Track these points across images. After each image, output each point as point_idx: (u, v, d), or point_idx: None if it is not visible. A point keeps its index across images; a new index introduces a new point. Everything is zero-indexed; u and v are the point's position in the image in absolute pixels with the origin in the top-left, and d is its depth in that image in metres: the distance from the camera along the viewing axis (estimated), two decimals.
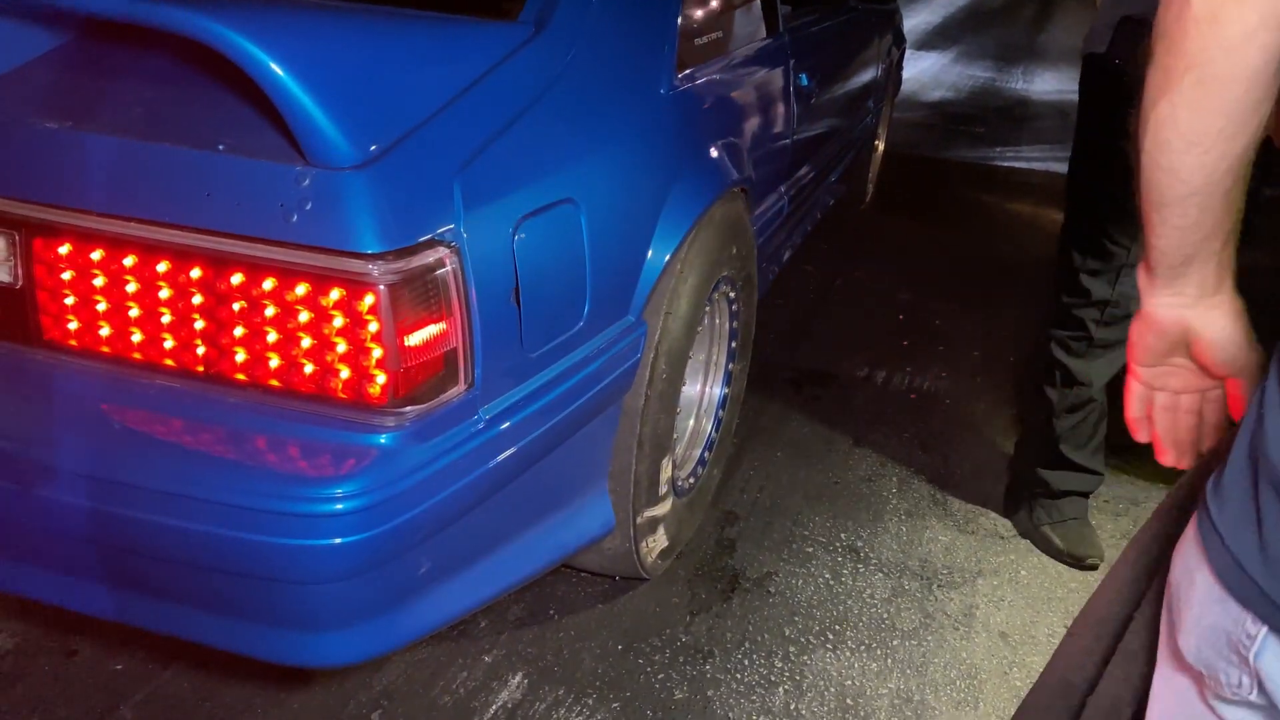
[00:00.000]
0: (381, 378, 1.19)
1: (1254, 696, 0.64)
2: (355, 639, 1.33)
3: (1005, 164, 5.87)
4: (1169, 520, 0.89)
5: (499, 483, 1.37)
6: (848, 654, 1.89)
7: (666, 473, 1.88)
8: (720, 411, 2.21)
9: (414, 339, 1.18)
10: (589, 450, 1.66)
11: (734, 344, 2.21)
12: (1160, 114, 0.72)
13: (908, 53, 5.41)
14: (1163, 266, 0.80)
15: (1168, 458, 0.89)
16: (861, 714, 1.75)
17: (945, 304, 3.61)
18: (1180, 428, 0.87)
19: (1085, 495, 2.29)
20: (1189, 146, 0.71)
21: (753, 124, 2.24)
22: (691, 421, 2.16)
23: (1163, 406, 0.87)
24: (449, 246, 1.20)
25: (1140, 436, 0.90)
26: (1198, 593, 0.68)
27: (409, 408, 1.21)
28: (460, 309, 1.22)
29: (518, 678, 1.76)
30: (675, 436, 1.92)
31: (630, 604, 1.97)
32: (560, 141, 1.43)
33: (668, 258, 1.68)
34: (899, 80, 4.85)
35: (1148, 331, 0.84)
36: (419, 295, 1.17)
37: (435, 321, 1.20)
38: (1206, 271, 0.79)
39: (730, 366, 2.22)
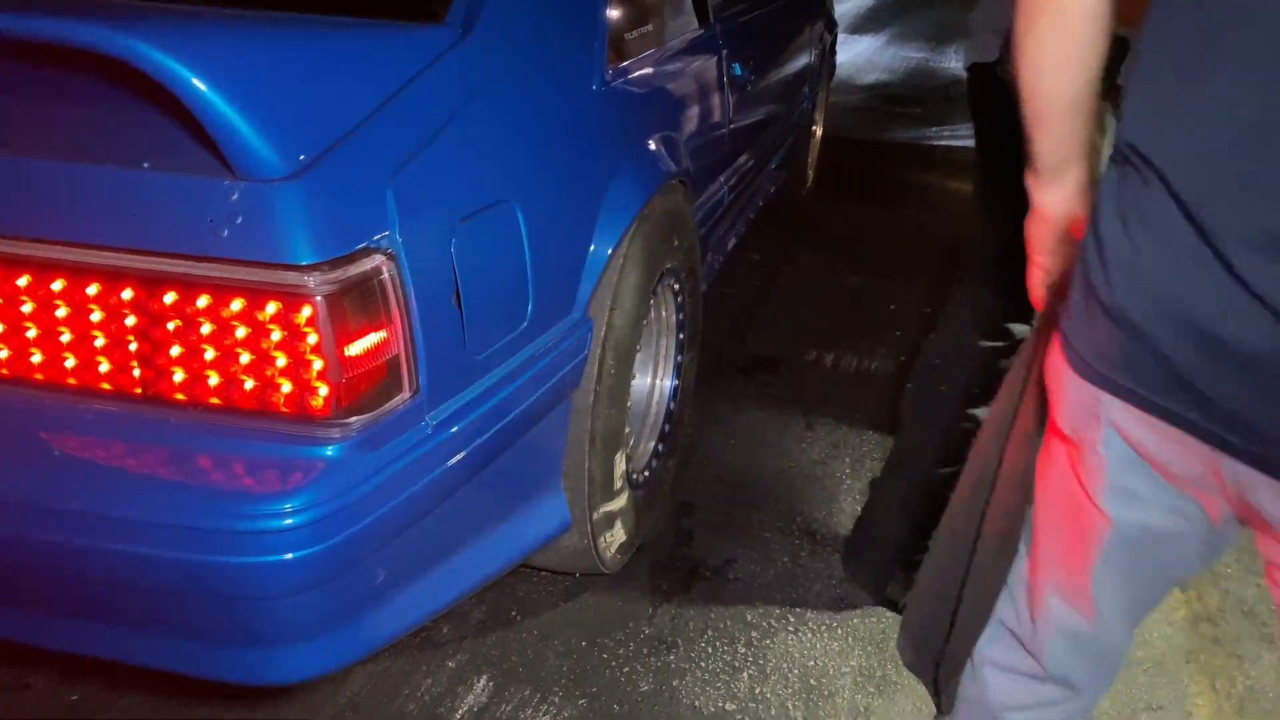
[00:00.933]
0: (324, 389, 1.18)
1: (1102, 449, 0.94)
2: (315, 653, 1.32)
3: (943, 143, 5.94)
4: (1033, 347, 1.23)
5: (450, 487, 1.37)
6: (809, 635, 1.91)
7: (620, 467, 1.88)
8: (672, 403, 2.22)
9: (355, 348, 1.17)
10: (541, 449, 1.66)
11: (682, 336, 2.22)
12: (1030, 47, 0.94)
13: (841, 37, 5.46)
14: (1047, 170, 1.02)
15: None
16: (825, 693, 1.77)
17: (890, 284, 3.66)
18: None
19: None
20: (1056, 70, 0.93)
21: (688, 115, 2.25)
22: (643, 415, 2.17)
23: (1061, 284, 1.09)
24: (385, 253, 1.19)
25: (1042, 308, 1.15)
26: (1065, 383, 0.95)
27: (354, 418, 1.20)
28: (401, 316, 1.22)
29: (483, 681, 1.76)
30: (627, 431, 1.92)
31: (592, 600, 1.98)
32: (494, 142, 1.43)
33: (610, 253, 1.69)
34: (833, 65, 4.89)
35: (1042, 225, 1.07)
36: (357, 304, 1.16)
37: (376, 330, 1.20)
38: (1081, 169, 1.01)
39: (679, 358, 2.22)
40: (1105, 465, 0.95)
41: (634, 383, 1.96)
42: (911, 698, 1.76)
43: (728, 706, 1.74)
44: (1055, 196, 1.04)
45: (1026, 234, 1.09)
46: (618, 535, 1.93)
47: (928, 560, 1.45)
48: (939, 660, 1.44)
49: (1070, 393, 0.95)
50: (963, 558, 1.33)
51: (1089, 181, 1.02)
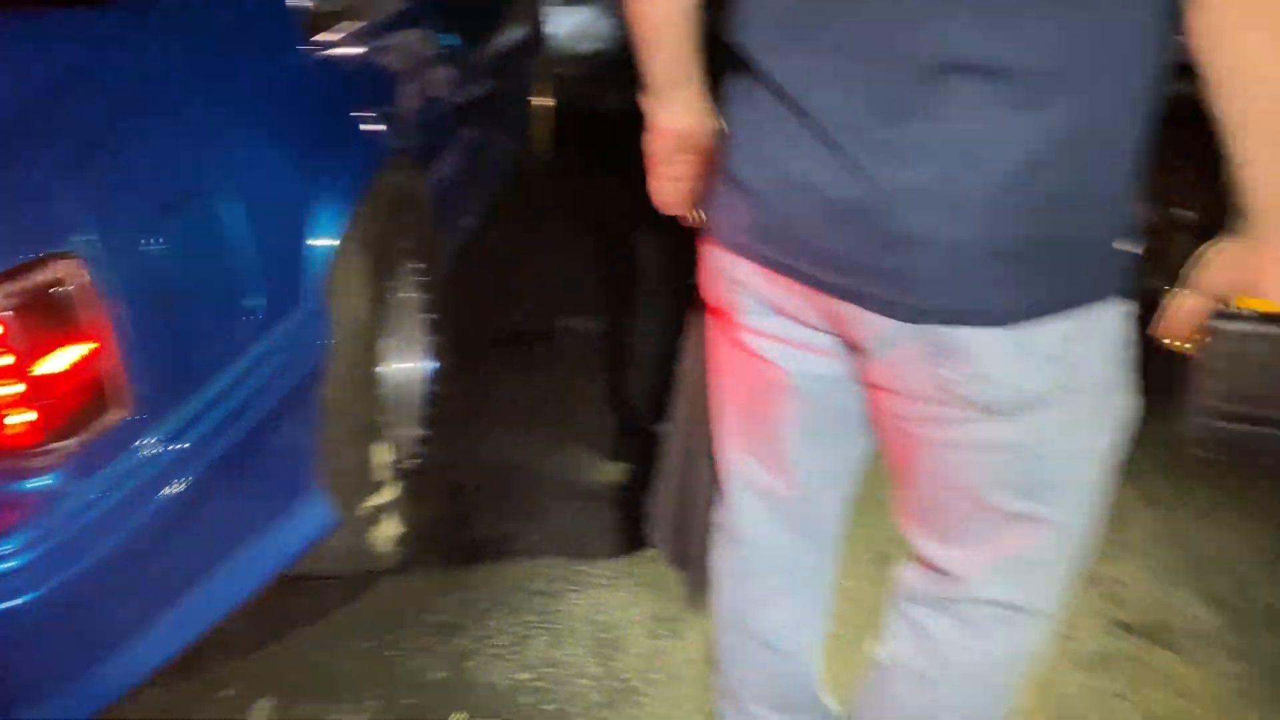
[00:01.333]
0: (23, 415, 1.06)
1: (747, 308, 1.04)
2: (60, 705, 1.20)
3: None
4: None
5: (189, 505, 1.27)
6: (596, 591, 1.93)
7: (383, 458, 1.82)
8: (430, 387, 2.17)
9: (50, 366, 1.06)
10: (291, 450, 1.58)
11: (429, 316, 2.16)
12: None
13: (557, 9, 5.47)
14: (661, 91, 1.14)
15: (687, 217, 1.27)
16: (619, 644, 1.80)
17: (635, 247, 3.72)
18: (692, 195, 1.24)
19: None
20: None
21: (404, 90, 2.19)
22: (401, 402, 2.10)
23: (681, 188, 1.25)
24: (73, 258, 1.08)
25: (672, 210, 1.29)
26: (709, 260, 1.07)
27: (62, 443, 1.09)
28: (101, 325, 1.11)
29: (266, 704, 1.66)
30: (384, 420, 1.86)
31: (373, 599, 1.91)
32: (184, 130, 1.32)
33: (338, 237, 1.61)
34: (544, 35, 4.89)
35: (659, 140, 1.19)
36: (46, 316, 1.05)
37: (74, 343, 1.09)
38: (691, 91, 1.15)
39: (430, 340, 2.17)
40: (754, 323, 1.06)
41: (384, 370, 1.90)
42: (701, 635, 1.82)
43: (522, 677, 1.73)
44: (668, 113, 1.16)
45: (646, 148, 1.21)
46: (390, 528, 1.87)
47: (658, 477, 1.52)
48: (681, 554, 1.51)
49: (714, 267, 1.06)
50: (677, 460, 1.44)
51: (699, 97, 1.15)
